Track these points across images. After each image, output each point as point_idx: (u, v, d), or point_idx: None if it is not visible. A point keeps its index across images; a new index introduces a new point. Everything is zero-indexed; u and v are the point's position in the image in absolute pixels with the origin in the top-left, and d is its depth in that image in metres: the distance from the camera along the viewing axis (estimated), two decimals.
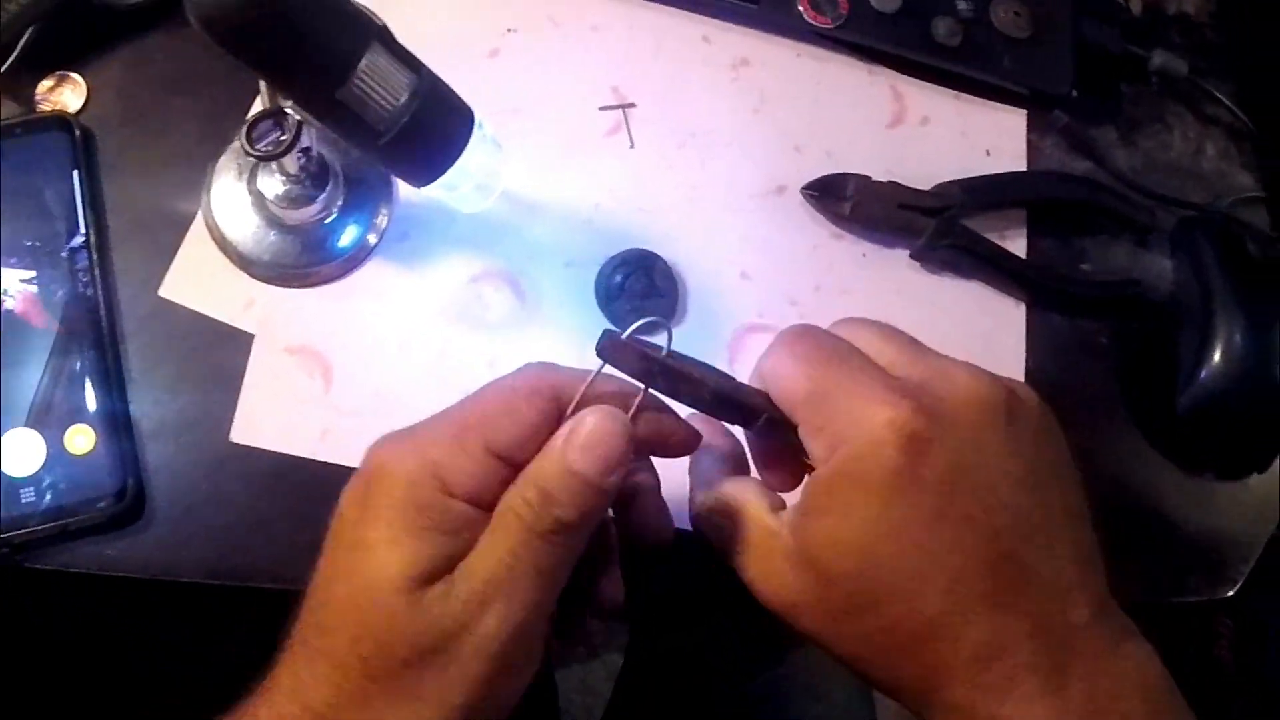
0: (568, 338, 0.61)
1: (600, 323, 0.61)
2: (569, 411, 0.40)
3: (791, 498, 0.41)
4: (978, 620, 0.37)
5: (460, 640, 0.38)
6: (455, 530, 0.39)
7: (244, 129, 0.50)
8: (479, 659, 0.38)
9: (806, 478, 0.40)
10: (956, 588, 0.37)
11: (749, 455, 0.46)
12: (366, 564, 0.38)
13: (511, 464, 0.40)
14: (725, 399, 0.41)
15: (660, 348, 0.40)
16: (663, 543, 0.46)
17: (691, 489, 0.45)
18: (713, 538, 0.43)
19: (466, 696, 0.38)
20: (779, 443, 0.42)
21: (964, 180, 0.66)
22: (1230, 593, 0.66)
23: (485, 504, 0.39)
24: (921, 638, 0.38)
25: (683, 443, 0.44)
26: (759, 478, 0.46)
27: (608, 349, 0.40)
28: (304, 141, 0.53)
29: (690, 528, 0.47)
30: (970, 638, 0.37)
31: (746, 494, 0.43)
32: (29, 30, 0.56)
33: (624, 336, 0.40)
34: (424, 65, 0.48)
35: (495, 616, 0.38)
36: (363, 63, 0.45)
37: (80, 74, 0.60)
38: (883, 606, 0.38)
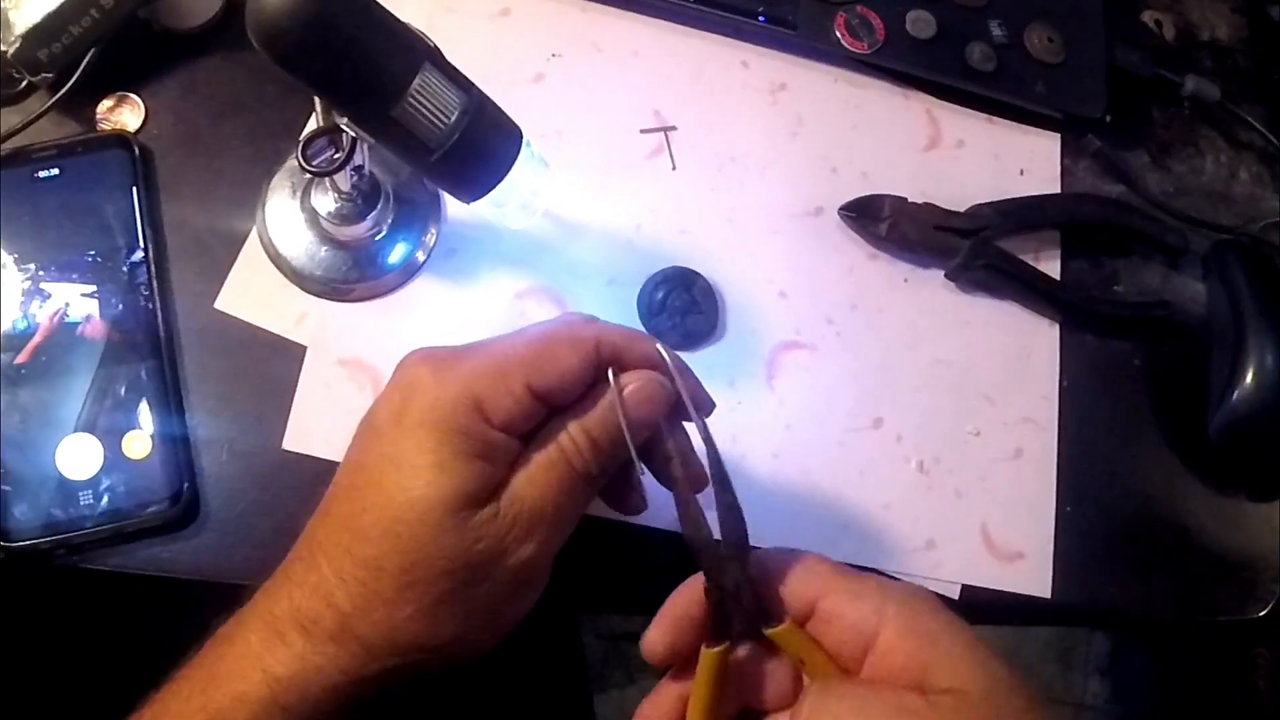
0: None
1: None
2: (612, 373, 0.44)
3: None
4: None
5: (500, 562, 0.41)
6: (495, 458, 0.42)
7: (299, 146, 0.51)
8: (511, 579, 0.42)
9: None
10: None
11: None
12: (412, 481, 0.40)
13: (548, 404, 0.43)
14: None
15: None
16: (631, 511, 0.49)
17: None
18: None
19: (490, 612, 0.42)
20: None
21: (998, 202, 0.67)
22: (1262, 612, 0.66)
23: (518, 437, 0.43)
24: None
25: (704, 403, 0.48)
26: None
27: None
28: (357, 159, 0.54)
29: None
30: None
31: None
32: (90, 53, 0.58)
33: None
34: (474, 85, 0.49)
35: (535, 543, 0.42)
36: (415, 82, 0.46)
37: (139, 95, 0.61)
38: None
